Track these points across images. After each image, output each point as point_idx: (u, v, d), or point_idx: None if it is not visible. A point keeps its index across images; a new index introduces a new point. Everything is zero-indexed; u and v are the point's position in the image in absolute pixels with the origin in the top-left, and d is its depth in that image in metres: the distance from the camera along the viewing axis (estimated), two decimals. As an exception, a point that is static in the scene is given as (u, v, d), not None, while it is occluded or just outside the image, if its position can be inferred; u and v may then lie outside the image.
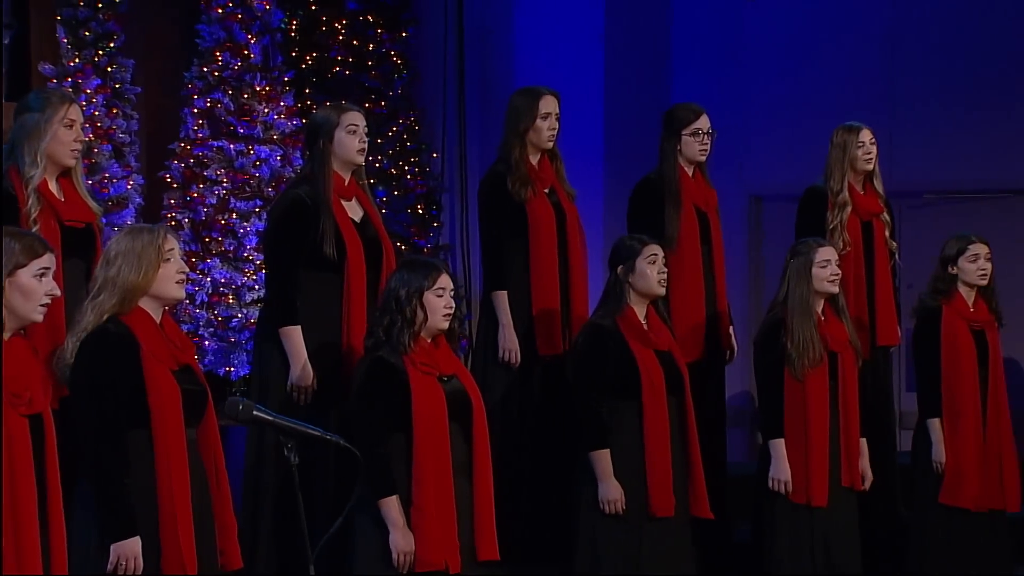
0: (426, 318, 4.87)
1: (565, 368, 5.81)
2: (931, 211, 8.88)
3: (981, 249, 6.24)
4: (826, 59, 8.87)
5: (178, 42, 8.47)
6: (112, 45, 7.87)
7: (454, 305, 4.93)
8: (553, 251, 6.08)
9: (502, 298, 6.03)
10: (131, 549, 4.26)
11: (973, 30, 8.74)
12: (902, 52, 8.83)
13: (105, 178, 7.65)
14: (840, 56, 8.84)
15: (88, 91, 7.65)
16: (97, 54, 7.81)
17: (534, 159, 6.11)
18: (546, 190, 6.12)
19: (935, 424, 6.19)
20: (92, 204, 5.17)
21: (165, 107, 8.33)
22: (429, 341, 4.90)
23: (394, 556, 4.75)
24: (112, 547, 4.26)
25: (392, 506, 4.76)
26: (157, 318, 4.42)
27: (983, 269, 6.23)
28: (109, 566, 4.26)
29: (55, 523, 3.97)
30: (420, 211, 8.79)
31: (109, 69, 7.84)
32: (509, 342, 6.00)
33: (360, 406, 4.85)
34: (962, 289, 6.25)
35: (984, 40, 8.73)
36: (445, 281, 4.91)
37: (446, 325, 4.91)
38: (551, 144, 6.12)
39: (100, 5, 7.88)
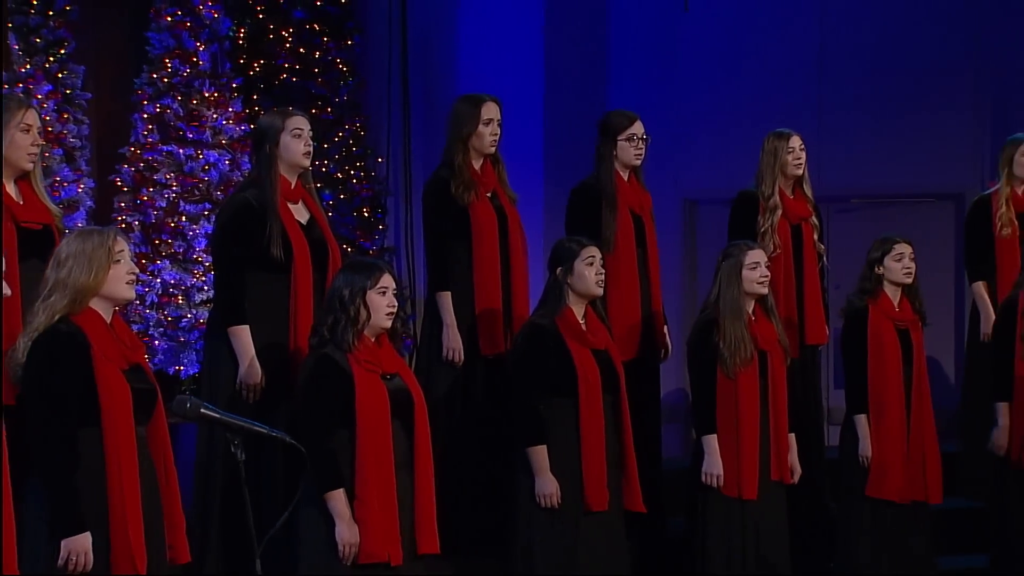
0: (369, 317, 4.87)
1: (507, 366, 5.83)
2: (858, 215, 8.98)
3: (905, 249, 6.32)
4: (758, 68, 8.95)
5: (128, 49, 8.43)
6: (63, 52, 7.82)
7: (396, 304, 4.94)
8: (495, 253, 6.09)
9: (446, 299, 6.04)
10: (81, 545, 4.24)
11: (897, 44, 8.86)
12: (830, 63, 8.93)
13: (56, 181, 7.60)
14: (772, 66, 8.93)
15: (39, 96, 7.59)
16: (48, 60, 7.75)
17: (477, 164, 6.12)
18: (488, 194, 6.13)
19: (861, 420, 6.25)
20: (51, 206, 5.14)
21: (115, 112, 8.29)
22: (372, 340, 4.91)
23: (339, 548, 4.76)
24: (63, 543, 4.24)
25: (338, 499, 4.76)
26: (108, 318, 4.41)
27: (908, 268, 6.30)
28: (60, 561, 4.24)
29: (5, 520, 3.94)
30: (365, 214, 8.79)
31: (60, 75, 7.79)
32: (453, 341, 6.01)
33: (306, 402, 4.85)
34: (888, 289, 6.32)
35: (907, 54, 8.85)
36: (387, 281, 4.92)
37: (389, 324, 4.91)
38: (493, 149, 6.14)
39: (51, 12, 7.82)
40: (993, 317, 6.70)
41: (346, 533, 4.75)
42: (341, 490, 4.76)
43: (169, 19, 8.06)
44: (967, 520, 6.94)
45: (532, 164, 8.57)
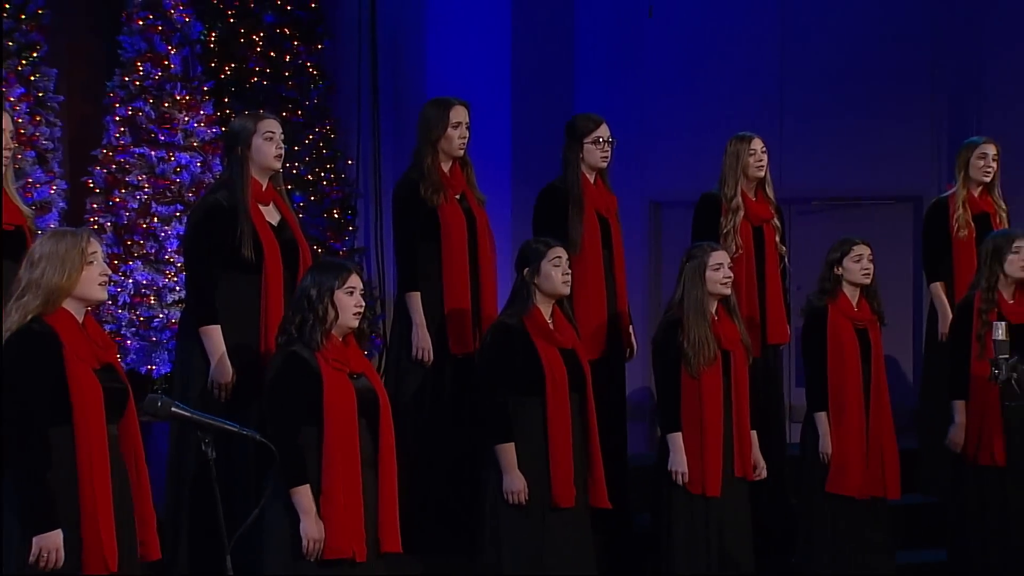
0: (337, 316, 4.86)
1: (475, 365, 5.83)
2: (818, 217, 9.02)
3: (864, 250, 6.35)
4: (721, 74, 8.99)
5: (100, 53, 8.39)
6: (35, 55, 7.78)
7: (364, 304, 4.93)
8: (464, 254, 6.09)
9: (415, 299, 6.03)
10: (52, 541, 4.22)
11: (856, 50, 8.91)
12: (792, 69, 8.97)
13: (29, 183, 7.55)
14: (734, 71, 8.97)
15: (12, 99, 7.54)
16: (21, 63, 7.71)
17: (446, 166, 6.12)
18: (457, 196, 6.13)
19: (821, 417, 6.27)
20: (23, 208, 5.11)
21: (87, 115, 8.25)
22: (340, 339, 4.90)
23: (304, 543, 4.74)
24: (34, 539, 4.22)
25: (304, 495, 4.75)
26: (80, 318, 4.38)
27: (866, 269, 6.33)
28: (31, 558, 4.21)
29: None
30: (336, 215, 8.77)
31: (32, 78, 7.75)
32: (422, 341, 6.01)
33: (273, 398, 4.83)
34: (847, 289, 6.35)
35: (866, 60, 8.90)
36: (355, 281, 4.91)
37: (356, 323, 4.90)
38: (462, 152, 6.13)
39: (23, 16, 7.78)
40: (950, 317, 6.74)
41: (311, 529, 4.74)
42: (307, 486, 4.74)
43: (141, 23, 8.02)
44: (925, 515, 6.99)
45: (500, 167, 8.58)
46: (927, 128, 8.88)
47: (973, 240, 6.97)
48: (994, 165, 7.07)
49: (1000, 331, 5.40)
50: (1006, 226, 6.95)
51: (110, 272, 4.49)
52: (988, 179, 7.09)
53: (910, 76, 8.87)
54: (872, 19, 8.90)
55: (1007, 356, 5.34)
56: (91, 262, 4.37)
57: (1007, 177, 7.22)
